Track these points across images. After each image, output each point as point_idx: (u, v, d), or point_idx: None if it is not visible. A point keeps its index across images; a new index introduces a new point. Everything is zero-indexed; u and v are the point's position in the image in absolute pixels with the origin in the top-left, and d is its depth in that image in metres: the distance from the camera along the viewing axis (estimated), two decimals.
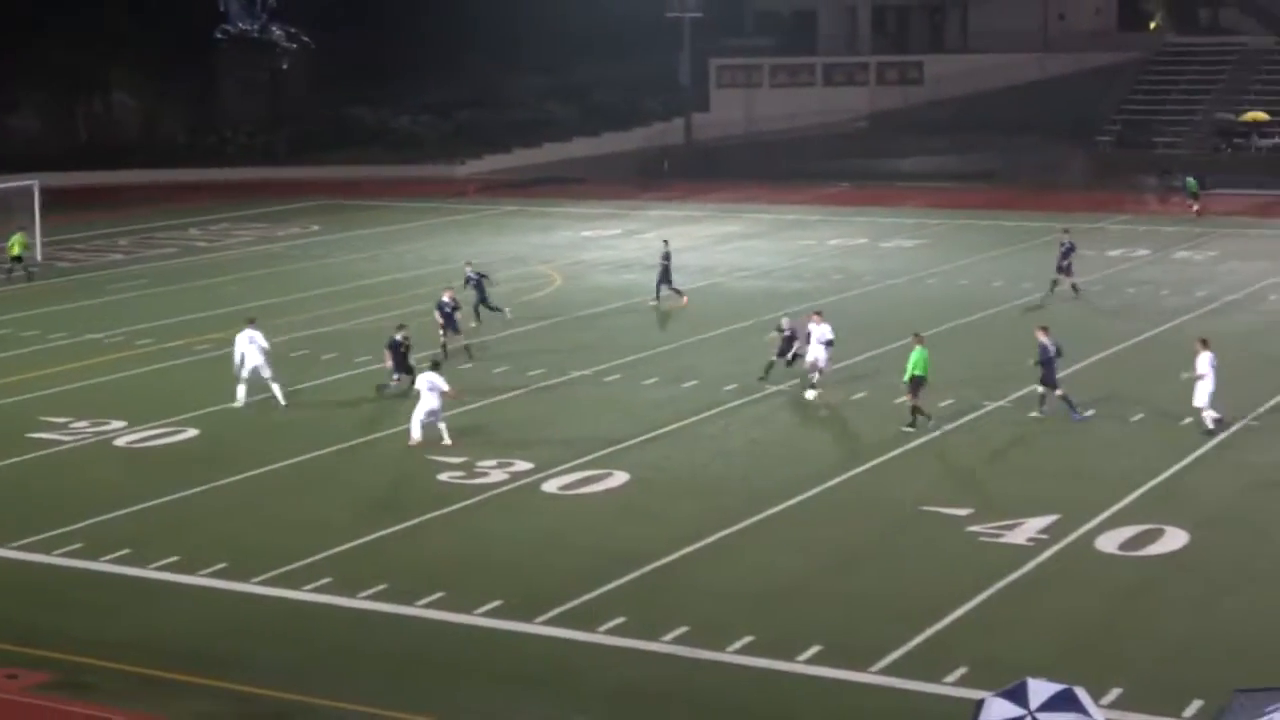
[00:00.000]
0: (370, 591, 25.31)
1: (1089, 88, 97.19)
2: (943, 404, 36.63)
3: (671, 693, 21.72)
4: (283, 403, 37.09)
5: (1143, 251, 60.58)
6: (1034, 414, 35.29)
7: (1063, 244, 50.49)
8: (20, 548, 27.77)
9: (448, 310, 42.22)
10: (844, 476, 31.68)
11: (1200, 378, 33.71)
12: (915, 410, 34.69)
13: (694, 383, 39.08)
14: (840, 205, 77.72)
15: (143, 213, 77.74)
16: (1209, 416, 33.91)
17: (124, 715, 21.01)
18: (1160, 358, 40.03)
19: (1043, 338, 35.18)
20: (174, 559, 26.93)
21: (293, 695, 21.50)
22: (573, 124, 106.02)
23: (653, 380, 39.69)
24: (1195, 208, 70.97)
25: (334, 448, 33.95)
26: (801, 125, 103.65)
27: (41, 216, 63.41)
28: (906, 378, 34.80)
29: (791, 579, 26.00)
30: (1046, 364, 35.08)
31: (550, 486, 31.01)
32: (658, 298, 50.27)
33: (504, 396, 38.44)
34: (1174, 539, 27.46)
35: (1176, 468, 31.81)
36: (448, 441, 33.22)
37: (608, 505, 30.13)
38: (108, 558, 27.11)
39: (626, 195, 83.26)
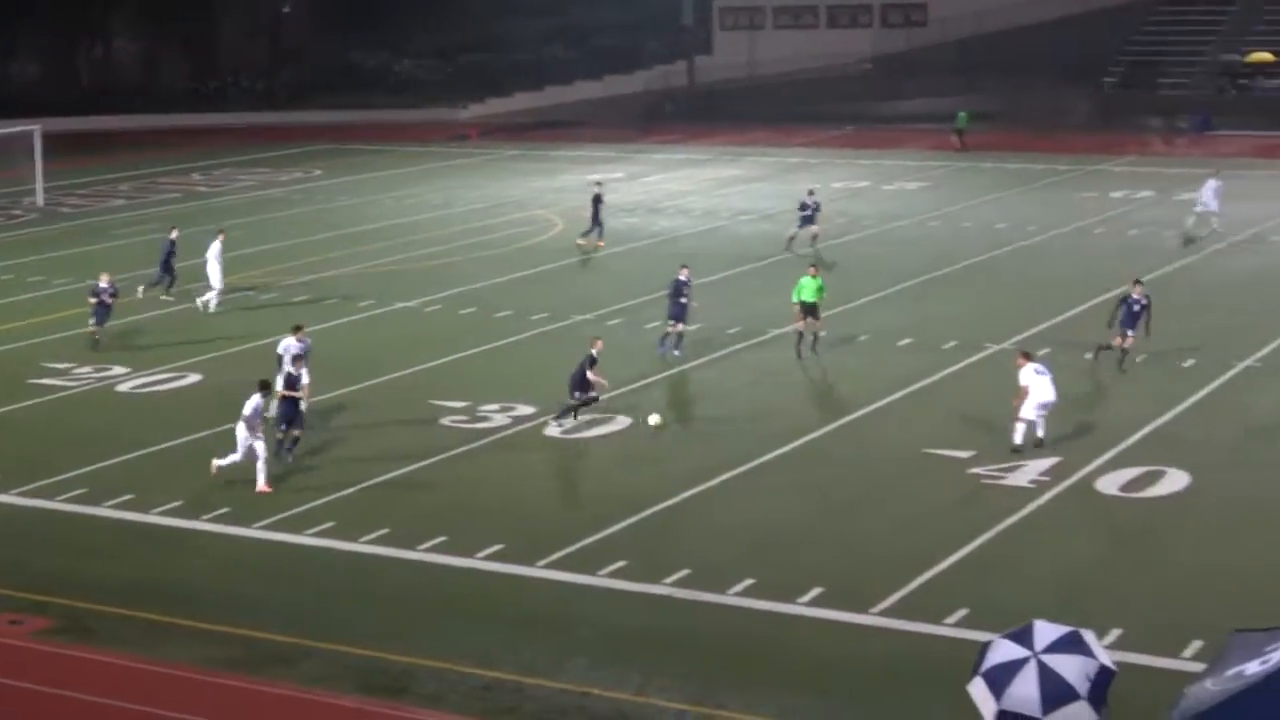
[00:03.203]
0: (372, 536, 25.36)
1: (1094, 28, 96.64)
2: (945, 346, 36.63)
3: (672, 635, 21.77)
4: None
5: (1146, 193, 60.41)
6: (675, 353, 36.37)
7: (807, 205, 49.26)
8: (23, 493, 27.81)
9: (104, 297, 38.05)
10: (847, 419, 31.69)
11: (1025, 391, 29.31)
12: (812, 335, 36.44)
13: (696, 325, 39.02)
14: (843, 148, 77.53)
15: (144, 158, 77.63)
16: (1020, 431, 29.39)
17: (127, 660, 21.08)
18: (1160, 300, 39.85)
19: (684, 274, 36.76)
20: (177, 504, 26.98)
21: (295, 639, 21.54)
22: (574, 67, 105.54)
23: (654, 324, 39.62)
24: (956, 141, 73.54)
25: (335, 393, 33.92)
26: (805, 68, 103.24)
27: (43, 162, 63.41)
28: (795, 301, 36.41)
29: (793, 521, 26.04)
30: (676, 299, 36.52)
31: (552, 430, 31.00)
32: (601, 238, 50.66)
33: (507, 340, 38.44)
34: (1175, 480, 27.49)
35: (1179, 409, 31.79)
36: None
37: (610, 449, 30.15)
38: (110, 503, 27.17)
39: (629, 138, 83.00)
